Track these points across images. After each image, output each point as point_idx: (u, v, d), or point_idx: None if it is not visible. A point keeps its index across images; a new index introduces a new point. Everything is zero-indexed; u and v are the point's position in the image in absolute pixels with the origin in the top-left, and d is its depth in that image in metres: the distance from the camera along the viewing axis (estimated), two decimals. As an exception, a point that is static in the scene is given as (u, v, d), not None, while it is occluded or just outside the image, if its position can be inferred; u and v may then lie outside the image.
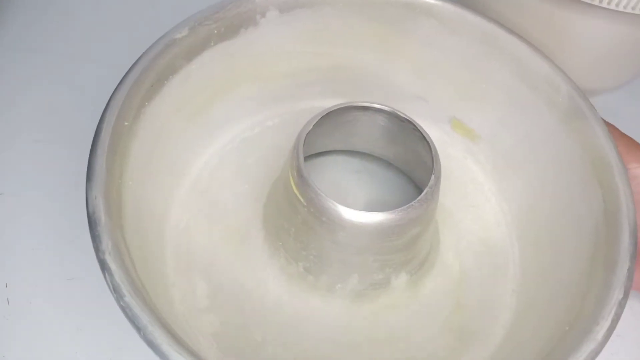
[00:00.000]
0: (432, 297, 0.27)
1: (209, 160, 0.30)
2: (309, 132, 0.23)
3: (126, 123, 0.23)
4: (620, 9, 0.26)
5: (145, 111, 0.24)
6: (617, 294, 0.21)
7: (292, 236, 0.25)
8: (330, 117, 0.24)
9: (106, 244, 0.19)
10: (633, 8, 0.26)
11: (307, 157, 0.25)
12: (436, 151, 0.24)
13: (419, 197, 0.22)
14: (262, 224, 0.27)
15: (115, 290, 0.19)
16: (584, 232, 0.24)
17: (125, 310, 0.18)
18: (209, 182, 0.29)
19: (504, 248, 0.29)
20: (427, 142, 0.24)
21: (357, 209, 0.22)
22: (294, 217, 0.24)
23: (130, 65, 0.24)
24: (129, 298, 0.19)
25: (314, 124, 0.24)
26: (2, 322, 0.25)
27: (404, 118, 0.25)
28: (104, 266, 0.19)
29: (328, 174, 0.30)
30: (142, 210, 0.25)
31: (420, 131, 0.25)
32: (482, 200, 0.31)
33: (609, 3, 0.26)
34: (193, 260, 0.27)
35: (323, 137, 0.27)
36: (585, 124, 0.25)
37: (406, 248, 0.24)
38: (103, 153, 0.22)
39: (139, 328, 0.18)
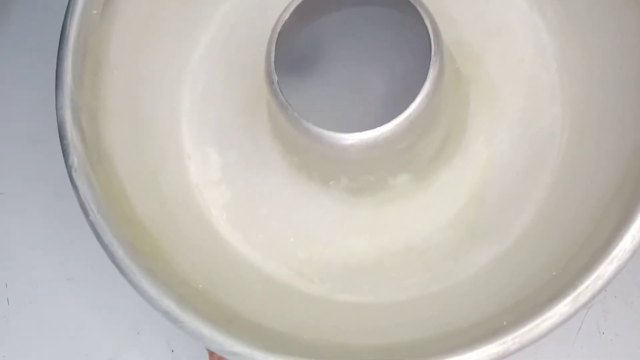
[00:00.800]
0: (446, 189, 0.25)
1: (225, 17, 0.27)
2: (284, 25, 0.20)
3: (95, 11, 0.22)
4: None
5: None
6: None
7: (282, 131, 0.23)
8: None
9: (72, 159, 0.20)
10: None
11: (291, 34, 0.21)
12: (438, 43, 0.19)
13: (402, 114, 0.19)
14: (267, 102, 0.26)
15: (81, 207, 0.20)
16: (623, 148, 0.20)
17: (91, 227, 0.20)
18: (221, 49, 0.27)
19: (552, 134, 0.25)
20: (428, 28, 0.19)
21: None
22: (275, 118, 0.22)
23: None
24: (93, 216, 0.20)
25: (292, 10, 0.20)
26: (2, 322, 0.25)
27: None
28: (71, 181, 0.20)
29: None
30: (142, 91, 0.25)
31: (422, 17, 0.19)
32: (540, 69, 0.25)
33: None
34: (207, 131, 0.27)
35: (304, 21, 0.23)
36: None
37: (400, 155, 0.22)
38: (68, 54, 0.21)
39: (103, 245, 0.20)
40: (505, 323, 0.18)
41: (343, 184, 0.24)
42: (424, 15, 0.19)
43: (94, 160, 0.21)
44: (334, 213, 0.25)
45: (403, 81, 0.24)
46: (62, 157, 0.20)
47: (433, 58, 0.19)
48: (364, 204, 0.25)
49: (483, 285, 0.24)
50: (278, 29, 0.20)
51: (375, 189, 0.24)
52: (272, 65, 0.20)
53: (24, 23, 0.33)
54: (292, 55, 0.21)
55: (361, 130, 0.20)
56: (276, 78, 0.20)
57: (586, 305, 0.18)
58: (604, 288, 0.18)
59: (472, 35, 0.25)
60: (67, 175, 0.20)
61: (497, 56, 0.25)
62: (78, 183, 0.20)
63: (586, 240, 0.20)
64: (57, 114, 0.21)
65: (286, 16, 0.20)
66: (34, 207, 0.28)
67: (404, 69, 0.23)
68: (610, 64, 0.22)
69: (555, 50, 0.25)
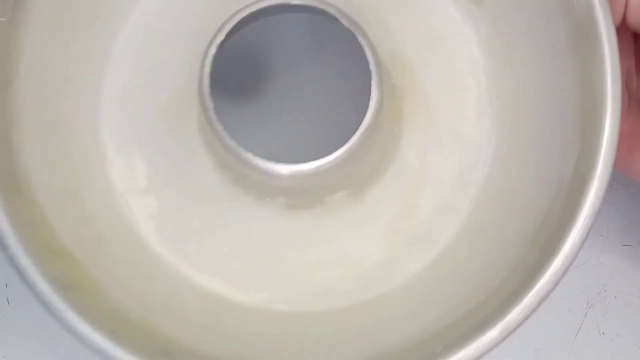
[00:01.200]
0: (379, 202, 0.25)
1: (145, 9, 0.25)
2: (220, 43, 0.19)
3: (2, 19, 0.19)
4: None
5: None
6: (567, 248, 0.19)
7: (216, 149, 0.22)
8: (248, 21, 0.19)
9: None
10: None
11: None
12: (379, 71, 0.19)
13: (342, 148, 0.19)
14: (197, 109, 0.25)
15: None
16: (556, 172, 0.21)
17: (10, 262, 0.19)
18: (145, 42, 0.25)
19: (480, 146, 0.25)
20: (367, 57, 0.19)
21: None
22: (210, 134, 0.21)
23: None
24: (14, 251, 0.18)
25: (226, 31, 0.19)
26: (2, 322, 0.25)
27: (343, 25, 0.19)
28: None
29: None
30: (61, 97, 0.23)
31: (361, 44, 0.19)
32: (471, 82, 0.26)
33: None
34: (131, 136, 0.25)
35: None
36: (594, 49, 0.19)
37: (338, 179, 0.22)
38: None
39: (26, 283, 0.18)
40: (439, 350, 0.19)
41: (280, 202, 0.23)
42: (369, 56, 0.19)
43: (10, 188, 0.19)
44: (269, 226, 0.25)
45: (343, 102, 0.24)
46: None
47: (372, 98, 0.19)
48: (300, 217, 0.25)
49: (414, 293, 0.25)
50: (212, 51, 0.19)
51: (312, 204, 0.24)
52: (207, 91, 0.19)
53: None
54: (225, 75, 0.20)
55: (300, 158, 0.19)
56: (212, 104, 0.19)
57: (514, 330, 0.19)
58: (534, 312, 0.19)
59: (408, 46, 0.25)
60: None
61: (431, 67, 0.26)
62: (-7, 218, 0.18)
63: (515, 263, 0.21)
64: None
65: (220, 37, 0.19)
66: None
67: (344, 87, 0.23)
68: (539, 87, 0.23)
69: (486, 65, 0.25)
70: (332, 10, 0.18)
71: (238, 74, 0.23)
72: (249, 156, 0.19)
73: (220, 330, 0.23)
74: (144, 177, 0.25)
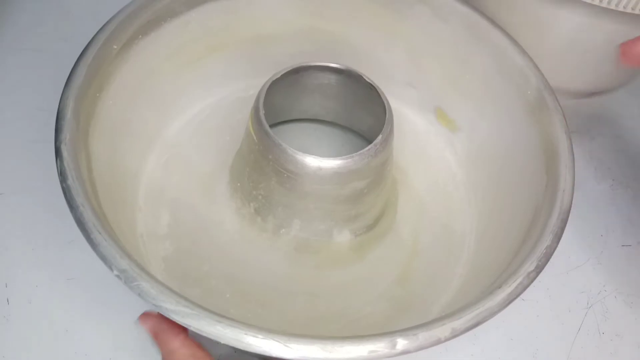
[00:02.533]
0: (379, 264, 0.28)
1: (202, 110, 0.32)
2: (269, 88, 0.25)
3: (115, 46, 0.26)
4: (620, 8, 0.27)
5: (137, 43, 0.27)
6: (527, 266, 0.21)
7: (247, 176, 0.26)
8: (291, 76, 0.26)
9: (65, 135, 0.22)
10: (633, 8, 0.27)
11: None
12: (390, 111, 0.25)
13: (361, 151, 0.24)
14: (230, 169, 0.29)
15: (61, 173, 0.21)
16: (526, 214, 0.25)
17: (65, 192, 0.21)
18: (196, 129, 0.31)
19: (463, 235, 0.29)
20: (382, 100, 0.25)
21: None
22: (249, 156, 0.26)
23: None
24: (71, 181, 0.21)
25: (276, 78, 0.26)
26: (2, 322, 0.25)
27: (358, 75, 0.26)
28: (57, 152, 0.21)
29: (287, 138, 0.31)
30: (121, 136, 0.28)
31: (375, 89, 0.26)
32: (452, 188, 0.31)
33: (608, 3, 0.27)
34: (164, 193, 0.29)
35: (281, 99, 0.29)
36: (547, 115, 0.26)
37: (349, 201, 0.25)
38: (85, 64, 0.24)
39: (72, 207, 0.20)
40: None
41: (293, 232, 0.26)
42: (380, 94, 0.26)
43: (80, 147, 0.23)
44: (276, 273, 0.27)
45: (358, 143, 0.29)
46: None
47: (387, 119, 0.25)
48: (307, 263, 0.27)
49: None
50: (265, 90, 0.25)
51: (321, 243, 0.26)
52: (261, 102, 0.24)
53: (24, 23, 0.33)
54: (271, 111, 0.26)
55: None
56: (263, 112, 0.24)
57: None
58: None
59: (401, 157, 0.32)
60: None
61: (419, 174, 0.31)
62: (64, 153, 0.21)
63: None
64: (61, 101, 0.23)
65: (268, 84, 0.26)
66: (34, 207, 0.28)
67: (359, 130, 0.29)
68: (507, 189, 0.28)
69: (462, 176, 0.31)
70: (359, 71, 0.26)
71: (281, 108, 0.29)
72: (285, 146, 0.23)
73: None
74: (166, 226, 0.28)
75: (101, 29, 0.25)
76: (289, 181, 0.24)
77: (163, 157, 0.30)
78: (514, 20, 0.30)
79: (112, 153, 0.27)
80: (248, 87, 0.33)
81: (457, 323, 0.19)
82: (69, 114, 0.23)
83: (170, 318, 0.19)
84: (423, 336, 0.19)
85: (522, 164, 0.27)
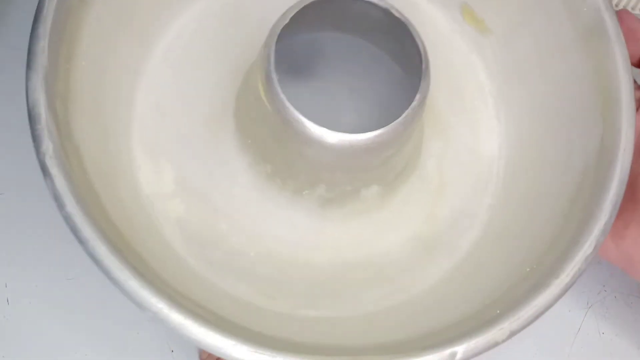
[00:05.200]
0: (404, 207, 0.26)
1: (184, 26, 0.27)
2: (284, 26, 0.20)
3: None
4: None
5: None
6: (585, 249, 0.20)
7: (261, 138, 0.23)
8: (309, 10, 0.21)
9: (46, 145, 0.18)
10: (633, 8, 0.26)
11: (289, 37, 0.22)
12: (427, 65, 0.21)
13: (394, 123, 0.20)
14: (234, 113, 0.25)
15: (56, 199, 0.18)
16: (572, 169, 0.23)
17: (67, 221, 0.18)
18: (184, 54, 0.27)
19: (491, 160, 0.28)
20: (421, 53, 0.21)
21: (332, 112, 0.20)
22: (262, 121, 0.22)
23: None
24: (71, 208, 0.18)
25: (290, 16, 0.21)
26: (2, 322, 0.25)
27: (399, 18, 0.22)
28: (44, 170, 0.18)
29: (310, 60, 0.27)
30: (104, 90, 0.23)
31: (414, 38, 0.21)
32: (479, 103, 0.28)
33: None
34: (161, 143, 0.26)
35: (306, 24, 0.24)
36: (605, 45, 0.22)
37: (378, 167, 0.23)
38: (45, 34, 0.19)
39: (81, 241, 0.18)
40: (498, 312, 0.19)
41: (317, 194, 0.24)
42: (415, 36, 0.21)
43: (67, 149, 0.19)
44: (299, 227, 0.25)
45: (391, 94, 0.25)
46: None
47: (424, 72, 0.21)
48: (332, 217, 0.25)
49: (437, 297, 0.25)
50: (277, 31, 0.20)
51: (346, 200, 0.24)
52: (272, 65, 0.20)
53: (24, 23, 0.30)
54: (286, 60, 0.22)
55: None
56: (276, 76, 0.20)
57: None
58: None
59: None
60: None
61: (443, 91, 0.28)
62: (53, 171, 0.18)
63: (526, 275, 0.22)
64: (28, 98, 0.19)
65: (285, 21, 0.20)
66: (34, 207, 0.27)
67: (393, 82, 0.25)
68: (551, 91, 0.25)
69: (492, 87, 0.28)
70: (387, 5, 0.21)
71: (296, 63, 0.25)
72: (312, 125, 0.20)
73: (249, 326, 0.22)
74: (171, 182, 0.25)
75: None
76: (313, 154, 0.21)
77: (151, 98, 0.26)
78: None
79: (97, 118, 0.23)
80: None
81: (515, 324, 0.19)
82: (43, 114, 0.18)
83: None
84: (480, 342, 0.18)
85: (571, 96, 0.24)
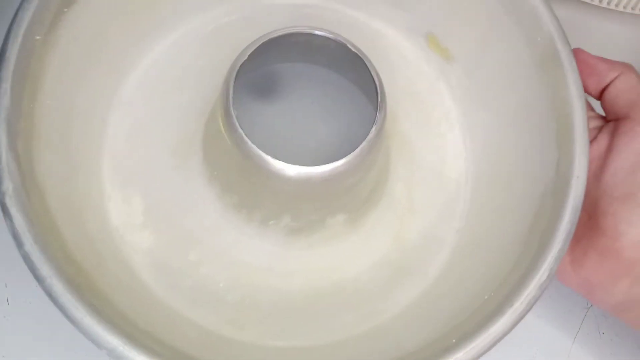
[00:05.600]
0: (372, 231, 0.26)
1: (156, 59, 0.27)
2: (243, 63, 0.21)
3: (38, 37, 0.21)
4: (620, 9, 0.27)
5: (66, 18, 0.22)
6: (539, 276, 0.20)
7: (225, 170, 0.23)
8: (270, 45, 0.21)
9: (6, 186, 0.18)
10: (633, 8, 0.27)
11: (253, 69, 0.22)
12: (383, 98, 0.22)
13: (351, 154, 0.21)
14: (202, 143, 0.26)
15: (15, 237, 0.18)
16: (531, 195, 0.23)
17: (25, 260, 0.18)
18: (155, 85, 0.27)
19: (458, 184, 0.28)
20: (377, 85, 0.22)
21: (295, 140, 0.20)
22: (226, 154, 0.22)
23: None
24: (29, 247, 0.18)
25: (249, 53, 0.21)
26: (2, 322, 0.25)
27: (353, 51, 0.22)
28: (3, 209, 0.18)
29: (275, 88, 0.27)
30: (71, 125, 0.24)
31: (369, 70, 0.22)
32: (445, 128, 0.29)
33: (608, 3, 0.27)
34: (130, 173, 0.26)
35: (270, 56, 0.24)
36: (559, 73, 0.22)
37: (342, 196, 0.23)
38: (7, 77, 0.19)
39: (38, 279, 0.18)
40: (454, 341, 0.19)
41: (283, 223, 0.24)
42: (371, 69, 0.21)
43: (28, 188, 0.19)
44: (268, 254, 0.25)
45: (355, 121, 0.26)
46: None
47: (379, 104, 0.21)
48: (299, 245, 0.25)
49: (409, 321, 0.25)
50: (236, 67, 0.21)
51: (312, 229, 0.25)
52: (230, 100, 0.20)
53: None
54: (246, 92, 0.22)
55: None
56: (235, 112, 0.20)
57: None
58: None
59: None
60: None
61: (410, 116, 0.29)
62: (12, 211, 0.18)
63: (485, 302, 0.22)
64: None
65: (244, 58, 0.21)
66: None
67: (357, 110, 0.26)
68: (512, 117, 0.25)
69: (457, 114, 0.29)
70: (343, 40, 0.21)
71: (261, 86, 0.25)
72: (272, 160, 0.20)
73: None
74: (141, 213, 0.26)
75: (13, 21, 0.20)
76: (275, 185, 0.22)
77: (121, 130, 0.26)
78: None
79: (65, 153, 0.23)
80: (207, 21, 0.28)
81: (470, 354, 0.19)
82: (4, 154, 0.19)
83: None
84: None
85: (531, 122, 0.24)
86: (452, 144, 0.28)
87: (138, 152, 0.26)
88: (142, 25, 0.26)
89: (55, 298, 0.18)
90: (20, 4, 0.20)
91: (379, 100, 0.21)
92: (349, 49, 0.22)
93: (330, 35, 0.22)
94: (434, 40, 0.28)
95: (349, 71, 0.25)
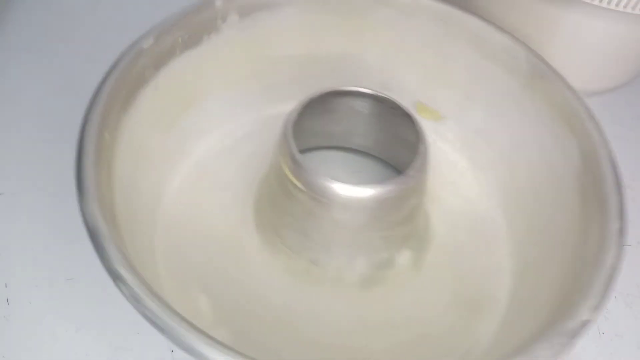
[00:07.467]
0: (434, 272, 0.27)
1: (188, 173, 0.29)
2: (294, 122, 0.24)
3: (107, 135, 0.22)
4: (620, 9, 0.27)
5: (123, 123, 0.24)
6: (610, 258, 0.21)
7: (292, 228, 0.24)
8: (312, 106, 0.24)
9: (115, 255, 0.18)
10: (633, 8, 0.27)
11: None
12: (420, 124, 0.25)
13: (413, 165, 0.23)
14: (255, 225, 0.27)
15: (138, 301, 0.18)
16: (566, 182, 0.25)
17: (150, 318, 0.17)
18: (190, 195, 0.28)
19: (489, 217, 0.30)
20: (410, 117, 0.25)
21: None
22: (292, 206, 0.24)
23: (102, 78, 0.23)
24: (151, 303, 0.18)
25: (298, 112, 0.24)
26: (2, 322, 0.25)
27: (384, 98, 0.25)
28: (118, 278, 0.18)
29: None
30: (132, 229, 0.24)
31: (401, 108, 0.25)
32: (457, 176, 0.31)
33: (608, 3, 0.27)
34: (189, 276, 0.26)
35: (306, 130, 0.27)
36: (548, 81, 0.27)
37: (406, 221, 0.25)
38: (91, 164, 0.21)
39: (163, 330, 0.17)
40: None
41: (357, 270, 0.24)
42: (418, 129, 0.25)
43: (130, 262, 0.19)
44: (347, 318, 0.25)
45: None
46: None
47: (421, 142, 0.24)
48: (374, 297, 0.25)
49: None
50: (292, 119, 0.24)
51: (384, 272, 0.25)
52: (294, 147, 0.23)
53: (24, 23, 0.33)
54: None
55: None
56: (300, 157, 0.22)
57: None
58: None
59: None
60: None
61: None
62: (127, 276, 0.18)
63: (565, 295, 0.22)
64: (86, 220, 0.19)
65: (294, 115, 0.24)
66: (34, 207, 0.28)
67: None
68: (518, 153, 0.29)
69: (465, 162, 0.32)
70: (392, 98, 0.25)
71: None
72: (334, 183, 0.22)
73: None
74: (210, 311, 0.25)
75: (87, 118, 0.22)
76: (347, 216, 0.23)
77: (169, 239, 0.27)
78: (512, 21, 0.31)
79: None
80: (223, 136, 0.31)
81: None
82: (104, 228, 0.19)
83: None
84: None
85: (538, 134, 0.27)
86: (467, 187, 0.31)
87: (192, 257, 0.26)
88: (174, 139, 0.28)
89: (192, 348, 0.17)
90: (90, 105, 0.22)
91: (417, 127, 0.24)
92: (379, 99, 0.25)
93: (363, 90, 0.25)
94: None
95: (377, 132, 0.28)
